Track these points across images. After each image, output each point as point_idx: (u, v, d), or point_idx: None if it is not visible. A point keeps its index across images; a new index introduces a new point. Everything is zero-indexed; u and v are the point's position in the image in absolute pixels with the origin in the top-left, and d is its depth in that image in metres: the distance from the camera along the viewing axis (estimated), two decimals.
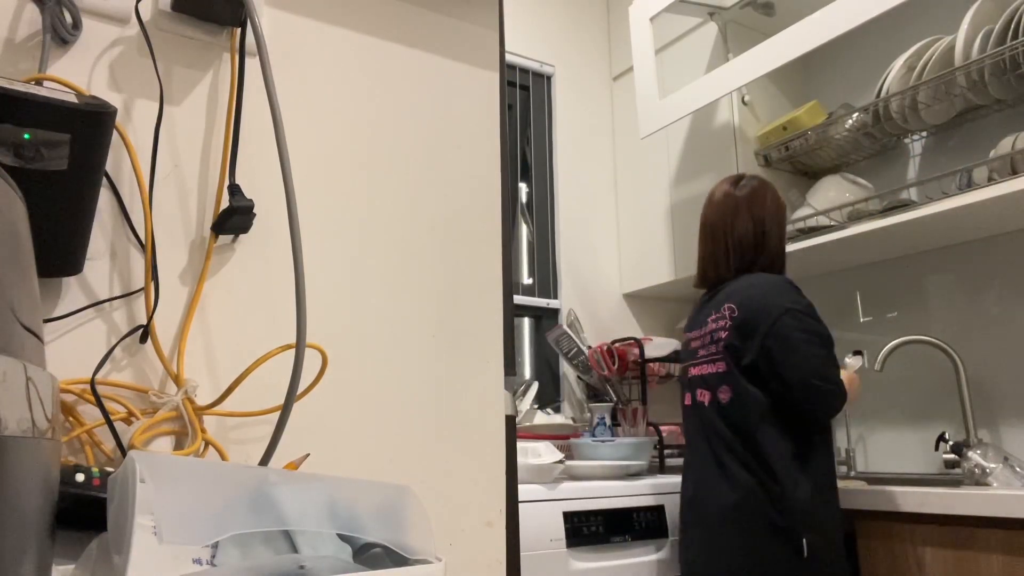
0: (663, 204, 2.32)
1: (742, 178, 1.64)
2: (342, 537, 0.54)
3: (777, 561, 1.35)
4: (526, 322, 2.33)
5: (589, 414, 2.02)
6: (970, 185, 1.69)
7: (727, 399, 1.46)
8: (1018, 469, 1.60)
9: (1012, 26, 1.61)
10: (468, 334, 0.88)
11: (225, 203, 0.73)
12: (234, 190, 0.72)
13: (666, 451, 1.99)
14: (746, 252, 1.56)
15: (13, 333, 0.38)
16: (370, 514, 0.52)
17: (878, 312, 2.10)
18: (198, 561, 0.47)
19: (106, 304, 0.68)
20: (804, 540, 1.34)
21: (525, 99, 2.44)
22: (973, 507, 1.32)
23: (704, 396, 1.52)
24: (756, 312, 1.44)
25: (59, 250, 0.62)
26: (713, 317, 1.53)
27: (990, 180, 1.63)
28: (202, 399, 0.70)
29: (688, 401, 1.58)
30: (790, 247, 1.98)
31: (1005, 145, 1.62)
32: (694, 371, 1.57)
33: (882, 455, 2.05)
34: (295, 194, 0.69)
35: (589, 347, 2.15)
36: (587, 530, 1.55)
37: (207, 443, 0.69)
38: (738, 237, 1.57)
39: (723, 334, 1.48)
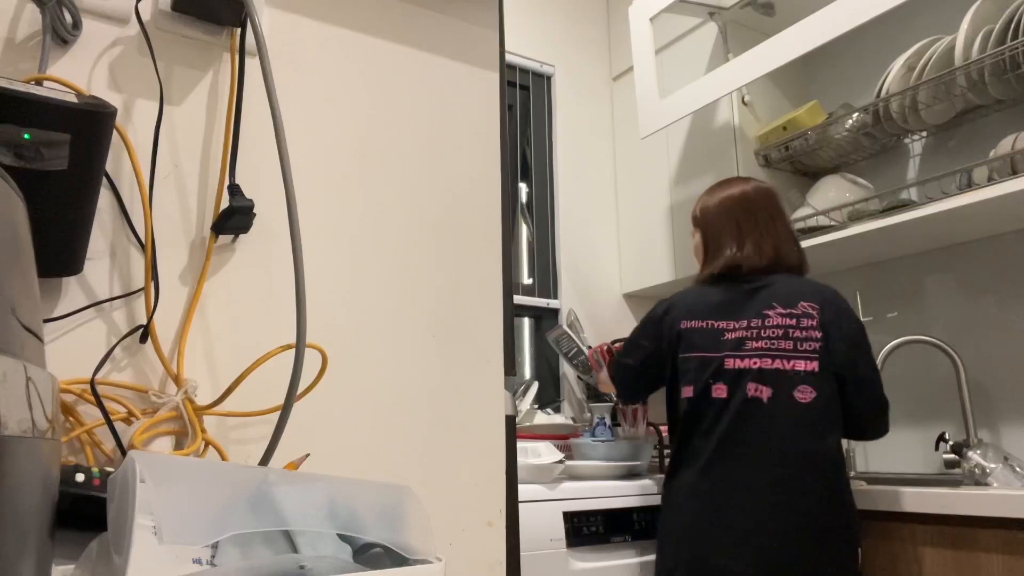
0: (663, 204, 2.32)
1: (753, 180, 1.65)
2: (342, 537, 0.54)
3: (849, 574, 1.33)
4: (526, 322, 2.33)
5: (589, 414, 2.02)
6: (970, 185, 1.69)
7: (808, 399, 1.39)
8: (1018, 469, 1.60)
9: (1012, 26, 1.61)
10: (468, 334, 0.88)
11: (225, 203, 0.73)
12: (234, 190, 0.72)
13: (666, 451, 1.99)
14: (792, 249, 1.55)
15: (13, 333, 0.38)
16: (370, 514, 0.52)
17: (878, 312, 2.10)
18: (198, 561, 0.47)
19: (106, 304, 0.68)
20: (859, 550, 1.37)
21: (525, 99, 2.44)
22: (973, 507, 1.32)
23: (762, 392, 1.41)
24: (841, 318, 1.43)
25: (59, 250, 0.62)
26: (778, 311, 1.46)
27: (990, 180, 1.63)
28: (202, 399, 0.70)
29: (722, 394, 1.44)
30: None
31: (1005, 145, 1.62)
32: (740, 363, 1.44)
33: (882, 455, 2.05)
34: (295, 194, 0.69)
35: (589, 347, 2.15)
36: (587, 530, 1.55)
37: (207, 443, 0.69)
38: (784, 230, 1.56)
39: (815, 332, 1.42)
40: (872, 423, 1.45)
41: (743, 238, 1.56)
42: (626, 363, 1.65)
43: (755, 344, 1.45)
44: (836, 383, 1.41)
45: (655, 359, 1.58)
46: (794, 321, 1.44)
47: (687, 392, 1.49)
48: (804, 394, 1.39)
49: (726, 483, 1.39)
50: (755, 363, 1.43)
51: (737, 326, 1.48)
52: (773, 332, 1.44)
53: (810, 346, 1.42)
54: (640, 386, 1.66)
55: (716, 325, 1.51)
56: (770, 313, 1.46)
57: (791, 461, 1.35)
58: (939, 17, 2.02)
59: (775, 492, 1.34)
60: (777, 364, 1.42)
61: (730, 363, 1.45)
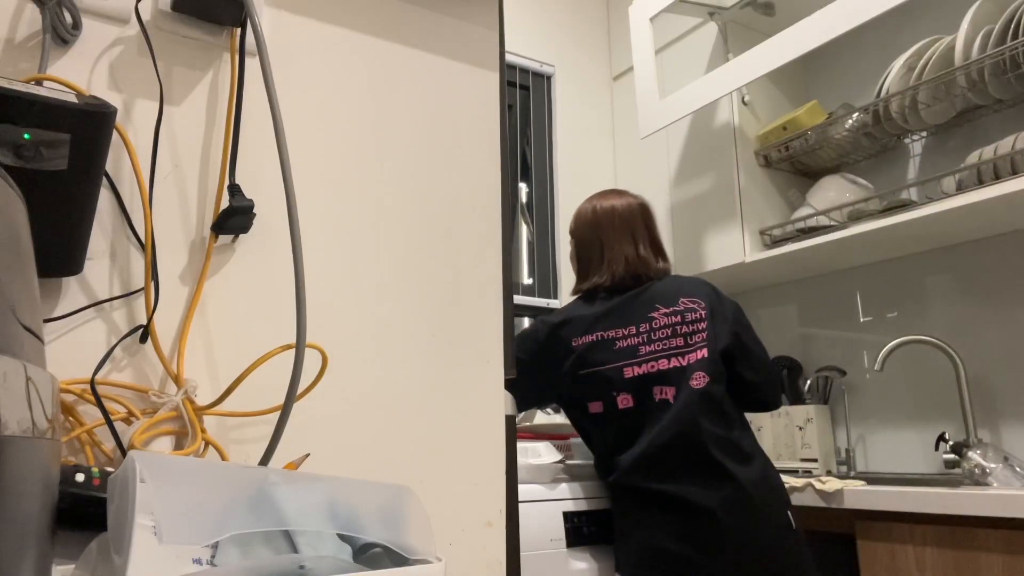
0: (663, 204, 2.32)
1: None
2: (342, 537, 0.54)
3: (787, 540, 1.36)
4: (526, 322, 2.33)
5: None
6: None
7: (703, 384, 1.43)
8: (1018, 469, 1.60)
9: (1012, 26, 1.61)
10: (468, 334, 0.88)
11: (225, 203, 0.73)
12: (234, 190, 0.72)
13: None
14: (659, 262, 1.62)
15: (13, 333, 0.38)
16: (370, 514, 0.52)
17: (878, 312, 2.10)
18: (198, 561, 0.47)
19: (106, 304, 0.68)
20: (789, 512, 1.40)
21: (525, 99, 2.43)
22: (973, 507, 1.32)
23: (668, 392, 1.44)
24: (721, 303, 1.52)
25: (59, 250, 0.62)
26: (662, 311, 1.50)
27: (982, 183, 1.63)
28: (202, 399, 0.70)
29: (628, 404, 1.46)
30: (791, 247, 1.98)
31: (1005, 145, 1.62)
32: (638, 370, 1.47)
33: (882, 455, 2.05)
34: (295, 194, 0.69)
35: None
36: (587, 530, 1.55)
37: (207, 443, 0.69)
38: (656, 239, 1.64)
39: (701, 324, 1.48)
40: (772, 395, 1.53)
41: (611, 254, 1.59)
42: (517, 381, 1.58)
43: (648, 348, 1.48)
44: (724, 363, 1.47)
45: (544, 380, 1.57)
46: (679, 318, 1.49)
47: (595, 407, 1.51)
48: (698, 380, 1.44)
49: (660, 480, 1.41)
50: (653, 367, 1.46)
51: (627, 333, 1.51)
52: (663, 333, 1.49)
53: (699, 337, 1.47)
54: (531, 400, 1.66)
55: (607, 335, 1.52)
56: (655, 315, 1.51)
57: (707, 454, 1.38)
58: (939, 17, 2.02)
59: (698, 477, 1.38)
60: (674, 363, 1.46)
61: (629, 372, 1.48)
